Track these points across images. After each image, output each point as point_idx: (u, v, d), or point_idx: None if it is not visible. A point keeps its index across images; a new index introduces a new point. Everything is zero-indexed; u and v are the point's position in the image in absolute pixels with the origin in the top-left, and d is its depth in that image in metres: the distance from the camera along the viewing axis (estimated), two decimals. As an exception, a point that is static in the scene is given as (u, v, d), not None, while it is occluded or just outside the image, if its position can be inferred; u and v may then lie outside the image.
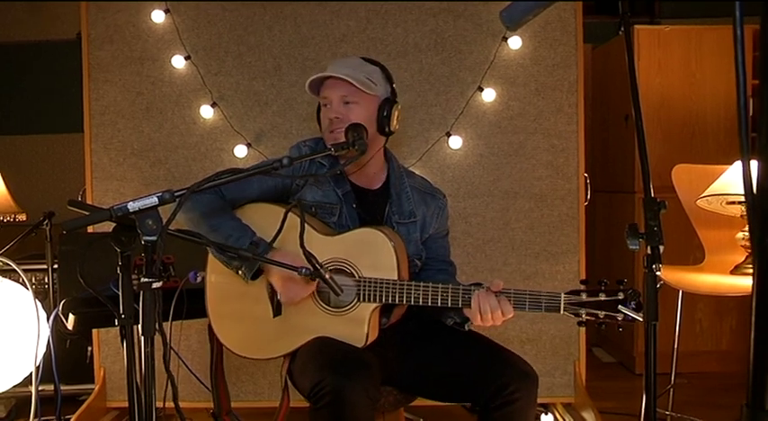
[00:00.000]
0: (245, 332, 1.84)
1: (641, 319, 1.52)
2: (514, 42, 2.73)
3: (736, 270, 2.56)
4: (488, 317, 1.66)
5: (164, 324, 1.36)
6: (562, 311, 1.63)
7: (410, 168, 2.49)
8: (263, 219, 1.81)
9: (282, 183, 1.87)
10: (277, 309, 1.79)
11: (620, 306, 1.59)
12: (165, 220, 1.28)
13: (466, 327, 1.80)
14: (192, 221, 1.80)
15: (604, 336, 3.86)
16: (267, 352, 1.84)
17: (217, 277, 1.86)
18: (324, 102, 1.85)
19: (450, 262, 2.03)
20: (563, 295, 1.63)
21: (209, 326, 1.89)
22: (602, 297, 1.61)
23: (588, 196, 2.78)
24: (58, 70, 4.26)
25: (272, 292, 1.80)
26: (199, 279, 1.91)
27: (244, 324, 1.84)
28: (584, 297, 1.62)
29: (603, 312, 1.61)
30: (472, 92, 2.76)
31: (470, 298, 1.68)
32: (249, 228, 1.78)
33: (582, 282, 1.67)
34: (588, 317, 1.62)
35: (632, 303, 1.59)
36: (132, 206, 1.26)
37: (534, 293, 1.66)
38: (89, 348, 2.88)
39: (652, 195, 1.28)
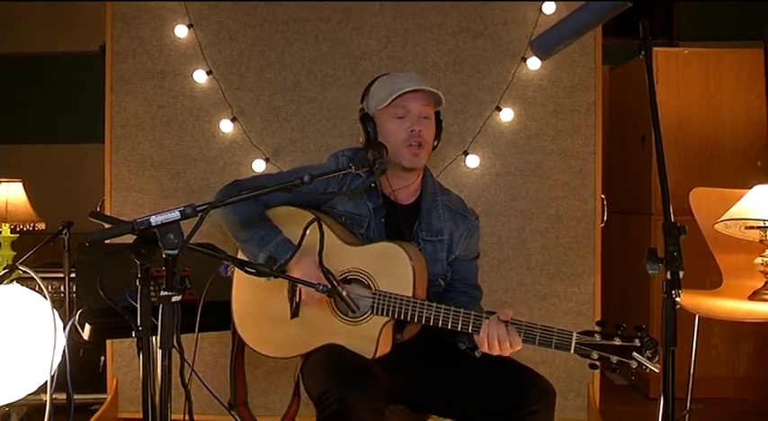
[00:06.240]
0: (263, 330, 1.88)
1: (657, 370, 1.48)
2: (533, 63, 2.74)
3: (755, 296, 2.53)
4: (495, 344, 1.65)
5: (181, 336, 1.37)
6: (572, 351, 1.58)
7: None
8: (292, 223, 1.82)
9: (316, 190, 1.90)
10: (295, 312, 1.81)
11: (634, 353, 1.52)
12: (185, 234, 1.29)
13: (477, 354, 1.78)
14: (225, 216, 1.84)
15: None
16: (281, 351, 1.87)
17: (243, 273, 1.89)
18: (400, 113, 1.85)
19: (476, 286, 2.01)
20: (575, 334, 1.59)
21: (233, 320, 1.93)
22: (617, 341, 1.54)
23: (605, 217, 2.77)
24: (80, 81, 4.31)
25: (292, 295, 1.82)
26: (229, 272, 1.95)
27: (263, 322, 1.87)
28: (597, 338, 1.56)
29: (617, 357, 1.54)
30: (490, 111, 2.77)
31: (481, 325, 1.66)
32: (277, 228, 1.82)
33: (598, 323, 1.61)
34: (599, 361, 1.56)
35: (648, 352, 1.52)
36: (155, 220, 1.27)
37: (546, 328, 1.62)
38: (102, 358, 2.90)
39: (672, 220, 1.28)
